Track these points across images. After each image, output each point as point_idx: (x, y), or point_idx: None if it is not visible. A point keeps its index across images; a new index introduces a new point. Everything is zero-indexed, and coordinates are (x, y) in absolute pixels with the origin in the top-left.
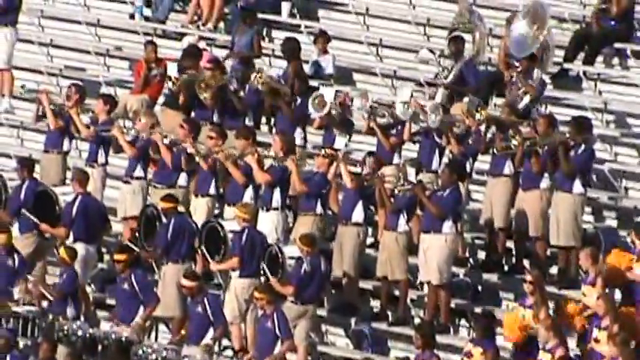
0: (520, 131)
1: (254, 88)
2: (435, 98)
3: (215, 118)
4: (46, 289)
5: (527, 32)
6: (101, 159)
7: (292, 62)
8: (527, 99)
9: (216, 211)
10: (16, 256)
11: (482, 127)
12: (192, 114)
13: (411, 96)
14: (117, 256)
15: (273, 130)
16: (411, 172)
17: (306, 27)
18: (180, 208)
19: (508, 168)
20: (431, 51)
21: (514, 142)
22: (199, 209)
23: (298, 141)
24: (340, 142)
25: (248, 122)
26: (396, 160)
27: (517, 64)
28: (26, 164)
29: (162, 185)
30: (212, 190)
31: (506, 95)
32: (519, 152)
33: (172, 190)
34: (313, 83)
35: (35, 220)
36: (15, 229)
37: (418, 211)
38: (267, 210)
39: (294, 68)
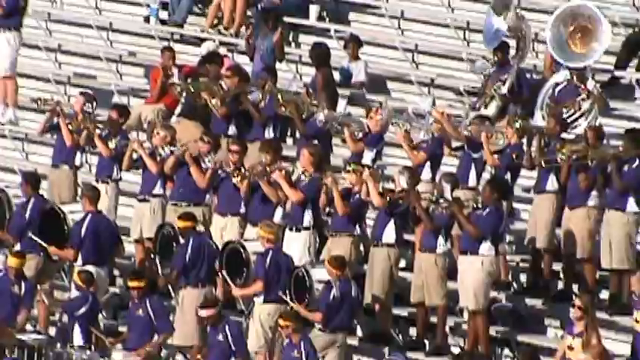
0: (566, 144)
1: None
2: (487, 110)
3: (231, 131)
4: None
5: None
6: (115, 174)
7: (321, 69)
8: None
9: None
10: (23, 283)
11: (525, 140)
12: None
13: (433, 105)
14: (132, 283)
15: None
16: (446, 188)
17: (336, 31)
18: (200, 228)
19: (552, 184)
20: (488, 60)
21: (560, 156)
22: (230, 230)
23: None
24: (367, 156)
25: (268, 135)
26: (426, 175)
27: (567, 72)
28: (31, 180)
29: (185, 203)
30: (242, 209)
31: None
32: (565, 167)
33: (195, 209)
34: (343, 92)
35: (42, 243)
36: (17, 248)
37: (459, 231)
38: (298, 230)
39: (323, 76)
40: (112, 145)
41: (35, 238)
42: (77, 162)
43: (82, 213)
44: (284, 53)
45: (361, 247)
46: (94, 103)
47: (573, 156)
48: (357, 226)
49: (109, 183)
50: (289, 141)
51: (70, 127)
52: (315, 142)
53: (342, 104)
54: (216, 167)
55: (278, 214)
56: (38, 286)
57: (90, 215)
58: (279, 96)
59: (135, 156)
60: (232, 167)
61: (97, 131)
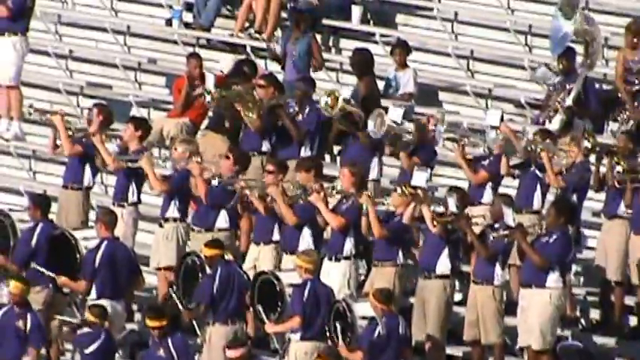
0: (625, 162)
1: (326, 113)
2: (552, 124)
3: (265, 147)
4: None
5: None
6: (132, 197)
7: (364, 78)
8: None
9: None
10: (29, 316)
11: (592, 159)
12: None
13: (501, 120)
14: (151, 322)
15: (338, 161)
16: (507, 212)
17: (381, 36)
18: (228, 256)
19: (623, 207)
20: (550, 69)
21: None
22: (264, 259)
23: (374, 174)
24: (419, 177)
25: (304, 152)
26: (487, 197)
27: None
28: (39, 203)
29: (199, 228)
30: (276, 236)
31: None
32: (628, 188)
33: (219, 234)
34: (388, 104)
35: (50, 274)
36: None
37: (515, 261)
38: (337, 259)
39: (366, 86)
40: (123, 163)
41: (41, 270)
42: (87, 182)
43: (96, 240)
44: (323, 60)
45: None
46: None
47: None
48: (401, 254)
49: (126, 207)
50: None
51: (69, 133)
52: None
53: (397, 113)
54: (209, 178)
55: (304, 240)
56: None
57: (105, 242)
58: (333, 109)
59: (166, 172)
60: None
61: (98, 139)
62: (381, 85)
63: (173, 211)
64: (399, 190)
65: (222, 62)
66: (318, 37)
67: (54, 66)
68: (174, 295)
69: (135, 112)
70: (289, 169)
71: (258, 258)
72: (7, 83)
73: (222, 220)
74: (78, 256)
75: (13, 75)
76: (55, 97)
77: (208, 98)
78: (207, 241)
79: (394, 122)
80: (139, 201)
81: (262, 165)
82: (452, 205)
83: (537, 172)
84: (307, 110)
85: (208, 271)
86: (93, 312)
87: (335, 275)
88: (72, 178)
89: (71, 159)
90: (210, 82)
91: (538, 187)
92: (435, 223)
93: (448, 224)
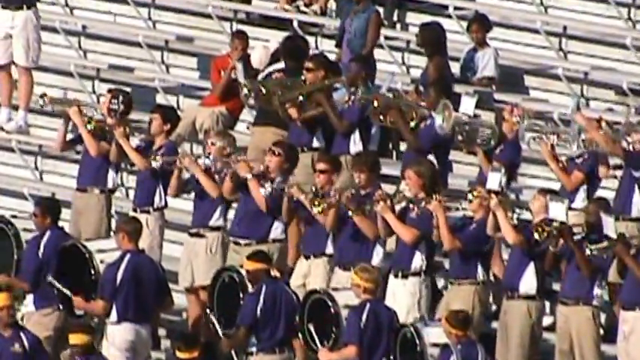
0: None
1: (441, 132)
2: None
3: (316, 142)
4: None
5: None
6: (158, 201)
7: (434, 59)
8: None
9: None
10: (24, 336)
11: None
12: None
13: (577, 108)
14: (181, 354)
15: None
16: (606, 221)
17: (455, 8)
18: (274, 273)
19: None
20: None
21: None
22: (315, 275)
23: None
24: (494, 178)
25: (353, 146)
26: (579, 202)
27: None
28: (48, 208)
29: (247, 240)
30: (329, 249)
31: None
32: None
33: (263, 246)
34: (463, 90)
35: (65, 290)
36: (29, 300)
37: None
38: (404, 276)
39: (437, 67)
40: (156, 163)
41: (54, 283)
42: (111, 183)
43: (115, 252)
44: (375, 40)
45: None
46: (120, 98)
47: None
48: (481, 269)
49: (151, 212)
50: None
51: (89, 128)
52: (431, 156)
53: (469, 104)
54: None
55: (377, 254)
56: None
57: (128, 255)
58: (374, 102)
59: (185, 175)
60: (309, 193)
61: (119, 135)
62: (454, 67)
63: (219, 219)
64: (469, 195)
65: (254, 53)
66: (380, 10)
67: (64, 45)
68: (212, 318)
69: (161, 99)
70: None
71: (308, 274)
72: (24, 64)
73: (279, 229)
74: (93, 272)
75: (24, 55)
76: (67, 82)
77: (245, 91)
78: (250, 253)
79: (466, 115)
80: (166, 205)
81: (313, 163)
82: (557, 212)
83: (633, 172)
84: (353, 98)
85: (251, 289)
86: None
87: (402, 295)
88: (92, 179)
89: (89, 158)
90: (239, 72)
91: (636, 190)
92: (515, 233)
93: (542, 235)
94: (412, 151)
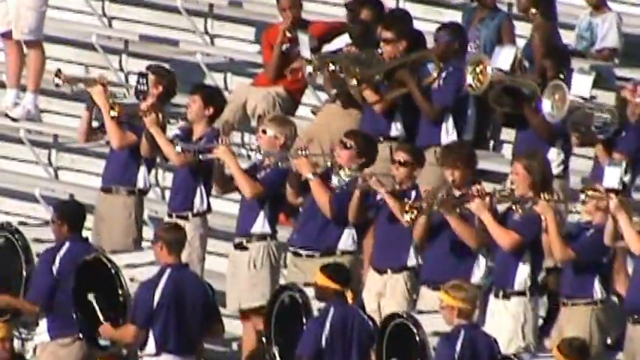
0: None
1: (472, 92)
2: None
3: (395, 130)
4: None
5: None
6: (200, 204)
7: (540, 27)
8: None
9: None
10: None
11: None
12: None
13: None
14: None
15: (504, 151)
16: None
17: None
18: (347, 293)
19: None
20: None
21: None
22: (393, 294)
23: (556, 169)
24: (612, 175)
25: (447, 137)
26: None
27: None
28: (65, 213)
29: (308, 251)
30: (412, 260)
31: None
32: None
33: (329, 259)
34: (581, 65)
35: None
36: (42, 327)
37: None
38: (506, 296)
39: (544, 37)
40: (178, 148)
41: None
42: (142, 182)
43: (149, 268)
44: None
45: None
46: (149, 77)
47: None
48: (599, 287)
49: (190, 218)
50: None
51: (113, 114)
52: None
53: (585, 84)
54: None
55: (479, 269)
56: None
57: (169, 271)
58: (478, 77)
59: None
60: (387, 190)
61: (149, 123)
62: (568, 37)
63: (263, 225)
64: (582, 195)
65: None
66: None
67: (84, 10)
68: (273, 347)
69: (204, 78)
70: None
71: (384, 293)
72: (24, 37)
73: (350, 239)
74: (121, 291)
75: (32, 24)
76: (88, 56)
77: (309, 69)
78: (325, 265)
79: (580, 97)
80: (209, 209)
81: (392, 155)
82: None
83: None
84: (444, 75)
85: (315, 311)
86: None
87: (503, 319)
88: (119, 177)
89: (119, 151)
90: (304, 46)
91: None
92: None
93: None
94: (528, 142)
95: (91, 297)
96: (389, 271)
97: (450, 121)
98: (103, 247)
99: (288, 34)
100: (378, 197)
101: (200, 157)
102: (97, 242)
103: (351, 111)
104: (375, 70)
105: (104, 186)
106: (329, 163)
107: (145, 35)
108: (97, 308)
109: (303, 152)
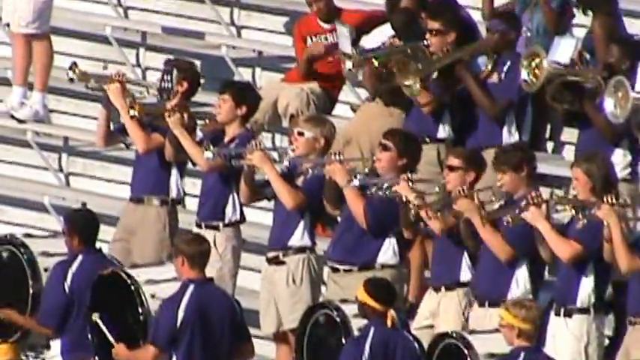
0: None
1: (527, 89)
2: None
3: (442, 131)
4: None
5: None
6: (231, 213)
7: (598, 16)
8: None
9: None
10: None
11: None
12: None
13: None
14: None
15: (565, 153)
16: None
17: None
18: (391, 313)
19: None
20: None
21: None
22: (446, 313)
23: (622, 172)
24: (566, 47)
25: (509, 137)
26: None
27: None
28: (77, 224)
29: (346, 265)
30: (466, 275)
31: None
32: None
33: (368, 274)
34: None
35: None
36: (54, 350)
37: None
38: (568, 314)
39: (604, 28)
40: (208, 154)
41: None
42: (174, 191)
43: (172, 284)
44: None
45: None
46: (174, 73)
47: None
48: None
49: (221, 229)
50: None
51: (133, 114)
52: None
53: (568, 46)
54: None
55: (517, 287)
56: None
57: (192, 287)
58: (534, 71)
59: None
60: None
61: (174, 124)
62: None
63: (302, 237)
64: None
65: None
66: None
67: (97, 0)
68: None
69: (230, 74)
70: (486, 165)
71: (438, 312)
72: (22, 30)
73: (390, 251)
74: (141, 310)
75: (29, 16)
76: (101, 50)
77: (347, 65)
78: (369, 280)
79: (558, 63)
80: (242, 219)
81: (439, 158)
82: None
83: None
84: (506, 68)
85: (355, 332)
86: None
87: (565, 339)
88: (150, 185)
89: (146, 156)
90: (344, 38)
91: None
92: None
93: None
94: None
95: (95, 317)
96: (443, 288)
97: (512, 119)
98: (129, 263)
99: (324, 25)
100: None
101: (232, 162)
102: (122, 258)
103: (393, 110)
104: (433, 66)
105: (134, 196)
106: (367, 169)
107: (165, 27)
108: (104, 330)
109: (338, 157)
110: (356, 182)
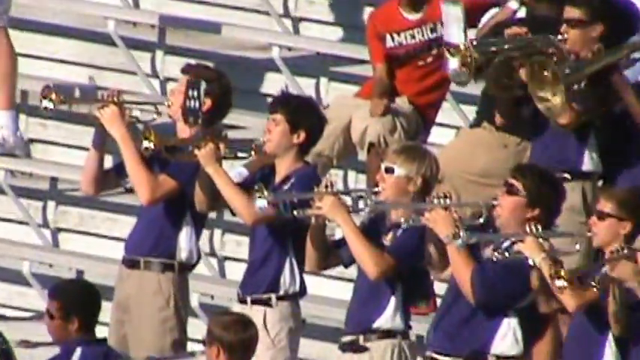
0: None
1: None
2: None
3: (588, 163)
4: None
5: None
6: (287, 282)
7: None
8: None
9: None
10: None
11: None
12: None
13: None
14: None
15: None
16: None
17: None
18: None
19: None
20: None
21: None
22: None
23: None
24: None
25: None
26: None
27: None
28: (71, 301)
29: (448, 357)
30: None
31: None
32: None
33: None
34: None
35: None
36: None
37: None
38: None
39: None
40: (261, 203)
41: None
42: (185, 252)
43: None
44: None
45: None
46: (203, 86)
47: None
48: None
49: (274, 304)
50: None
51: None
52: None
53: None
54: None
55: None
56: None
57: None
58: None
59: (337, 234)
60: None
61: (205, 160)
62: None
63: (393, 317)
64: None
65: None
66: None
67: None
68: None
69: (287, 85)
70: None
71: None
72: None
73: (509, 335)
74: None
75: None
76: (101, 53)
77: (453, 64)
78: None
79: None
80: (304, 291)
81: (585, 202)
82: None
83: None
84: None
85: None
86: None
87: None
88: (150, 244)
89: (149, 206)
90: (454, 23)
91: None
92: None
93: None
94: None
95: None
96: None
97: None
98: (130, 354)
99: (409, 17)
100: None
101: (294, 212)
102: (118, 345)
103: (508, 138)
104: (582, 72)
105: (127, 257)
106: (481, 219)
107: (187, 19)
108: None
109: (442, 202)
110: (465, 239)
